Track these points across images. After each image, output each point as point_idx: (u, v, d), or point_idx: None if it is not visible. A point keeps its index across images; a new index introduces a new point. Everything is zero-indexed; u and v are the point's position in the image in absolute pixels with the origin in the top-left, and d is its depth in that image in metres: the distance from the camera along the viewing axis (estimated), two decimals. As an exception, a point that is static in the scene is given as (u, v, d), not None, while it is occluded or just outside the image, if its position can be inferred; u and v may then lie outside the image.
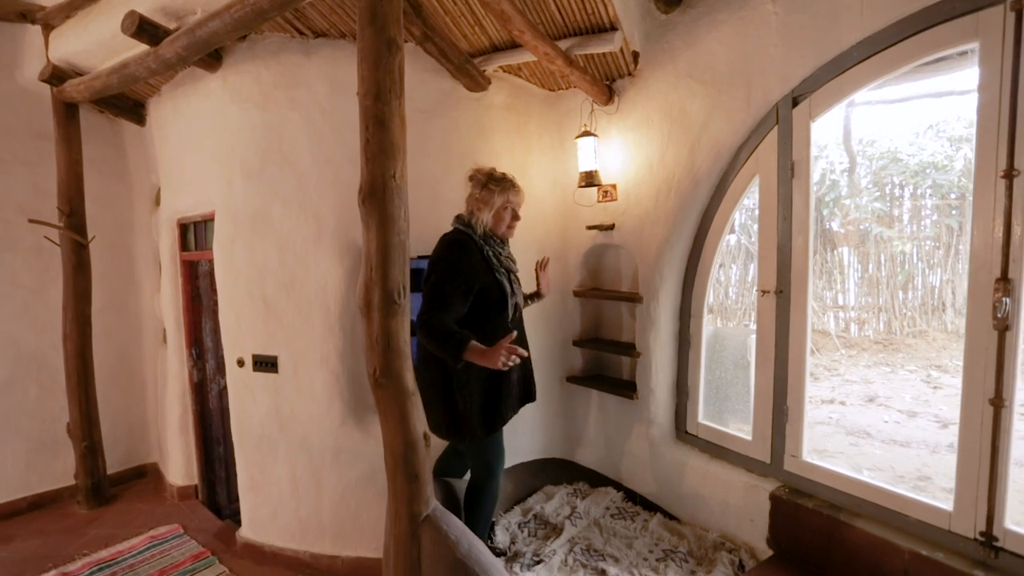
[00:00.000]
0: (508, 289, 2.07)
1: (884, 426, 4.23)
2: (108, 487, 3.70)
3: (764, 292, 2.26)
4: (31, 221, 3.32)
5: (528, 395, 2.29)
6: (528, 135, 2.91)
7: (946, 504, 1.75)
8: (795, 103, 2.11)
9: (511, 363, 1.81)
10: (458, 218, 2.16)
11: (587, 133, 2.67)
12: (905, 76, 1.97)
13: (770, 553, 2.17)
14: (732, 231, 2.38)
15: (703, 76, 2.38)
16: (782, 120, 2.15)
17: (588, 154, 2.66)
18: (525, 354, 1.86)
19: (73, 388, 3.52)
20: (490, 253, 2.07)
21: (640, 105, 2.65)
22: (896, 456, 3.64)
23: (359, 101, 1.69)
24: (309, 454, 2.67)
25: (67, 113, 3.42)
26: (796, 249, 2.14)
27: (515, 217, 2.14)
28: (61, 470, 3.66)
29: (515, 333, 1.86)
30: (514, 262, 2.21)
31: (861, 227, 6.37)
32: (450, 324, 1.88)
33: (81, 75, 3.22)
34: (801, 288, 2.13)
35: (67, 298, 3.47)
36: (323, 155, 2.62)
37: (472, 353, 1.83)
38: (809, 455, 2.17)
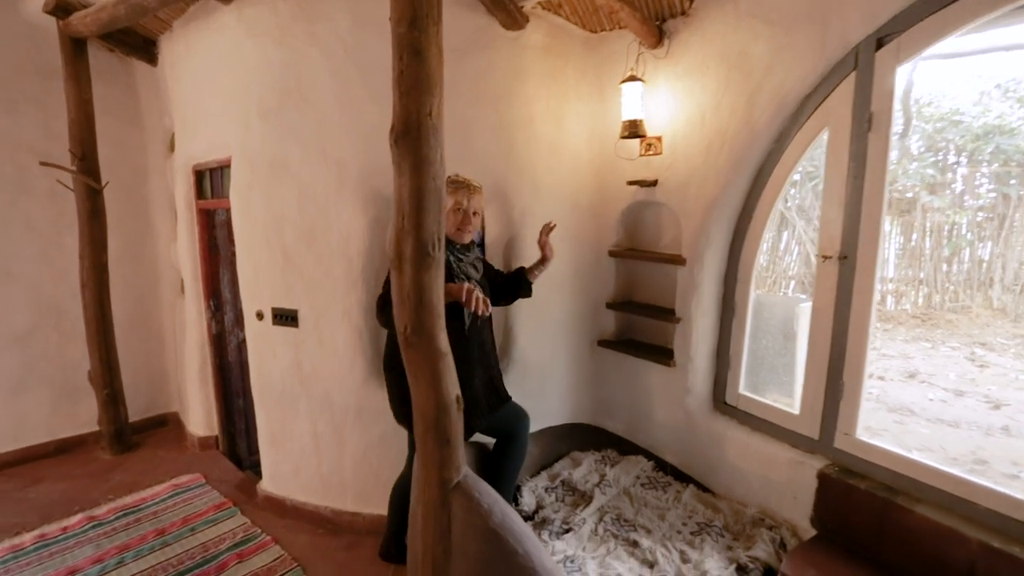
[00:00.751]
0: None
1: (929, 404, 4.05)
2: (131, 434, 3.72)
3: (825, 257, 2.06)
4: (43, 164, 3.20)
5: (498, 399, 2.25)
6: (565, 80, 2.68)
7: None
8: (879, 45, 1.85)
9: (477, 302, 1.79)
10: None
11: (633, 78, 2.43)
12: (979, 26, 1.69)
13: (814, 533, 2.07)
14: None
15: (769, 15, 2.12)
16: (862, 65, 1.91)
17: (633, 101, 2.43)
18: (486, 309, 1.82)
19: (93, 336, 3.48)
20: (450, 258, 2.03)
21: (694, 48, 2.40)
22: (946, 436, 3.47)
23: (392, 28, 1.49)
24: (331, 411, 2.60)
25: (75, 49, 3.24)
26: (867, 212, 1.93)
27: (466, 220, 2.08)
28: (85, 416, 3.67)
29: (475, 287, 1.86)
30: (478, 269, 2.19)
31: (908, 195, 5.99)
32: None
33: (87, 7, 3.02)
34: (870, 255, 1.93)
35: (83, 245, 3.39)
36: (346, 95, 2.42)
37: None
38: (862, 433, 2.03)
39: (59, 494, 3.11)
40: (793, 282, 6.55)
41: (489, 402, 2.20)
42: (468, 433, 2.06)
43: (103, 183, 3.40)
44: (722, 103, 2.31)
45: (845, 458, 2.05)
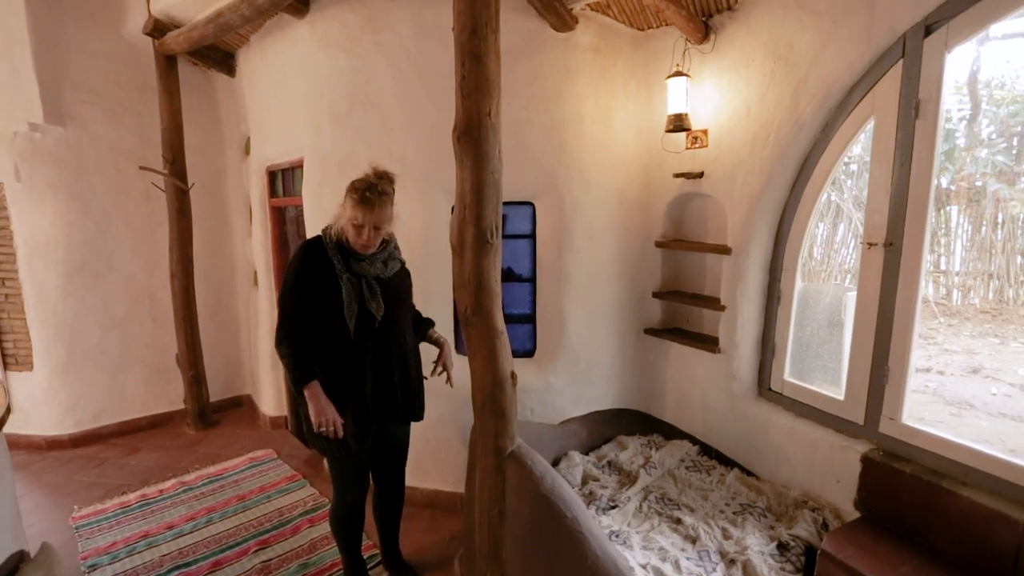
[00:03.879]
0: (353, 294, 1.90)
1: (992, 398, 3.90)
2: (211, 413, 4.11)
3: (871, 245, 2.09)
4: (142, 168, 3.60)
5: (396, 408, 2.09)
6: (613, 78, 2.79)
7: (1075, 476, 1.61)
8: (928, 32, 1.87)
9: (324, 428, 1.88)
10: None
11: (679, 73, 2.51)
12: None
13: (857, 515, 2.10)
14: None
15: (816, 6, 2.16)
16: (909, 53, 1.93)
17: (679, 96, 2.51)
18: (339, 433, 1.90)
19: (180, 323, 3.86)
20: (337, 258, 1.90)
21: (739, 42, 2.46)
22: (1007, 429, 3.35)
23: (455, 37, 1.66)
24: (393, 391, 2.80)
25: (168, 65, 3.61)
26: (913, 199, 1.95)
27: (360, 234, 1.89)
28: (172, 395, 4.08)
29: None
30: (387, 266, 1.98)
31: (976, 183, 5.65)
32: (301, 349, 1.90)
33: (179, 27, 3.37)
34: (916, 242, 1.95)
35: (172, 240, 3.77)
36: (408, 98, 2.63)
37: (310, 392, 1.88)
38: (908, 419, 2.05)
39: (154, 462, 3.50)
40: (849, 275, 6.32)
41: (384, 410, 2.06)
42: (357, 441, 1.98)
43: (190, 184, 3.77)
44: (767, 95, 2.36)
45: (890, 442, 2.07)
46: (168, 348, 4.02)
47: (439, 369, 2.20)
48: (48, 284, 3.56)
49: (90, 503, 2.99)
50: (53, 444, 3.68)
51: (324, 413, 1.89)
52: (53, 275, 3.56)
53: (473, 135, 1.64)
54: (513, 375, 1.84)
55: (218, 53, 3.74)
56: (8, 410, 1.82)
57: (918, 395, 4.02)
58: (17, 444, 3.63)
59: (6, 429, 3.15)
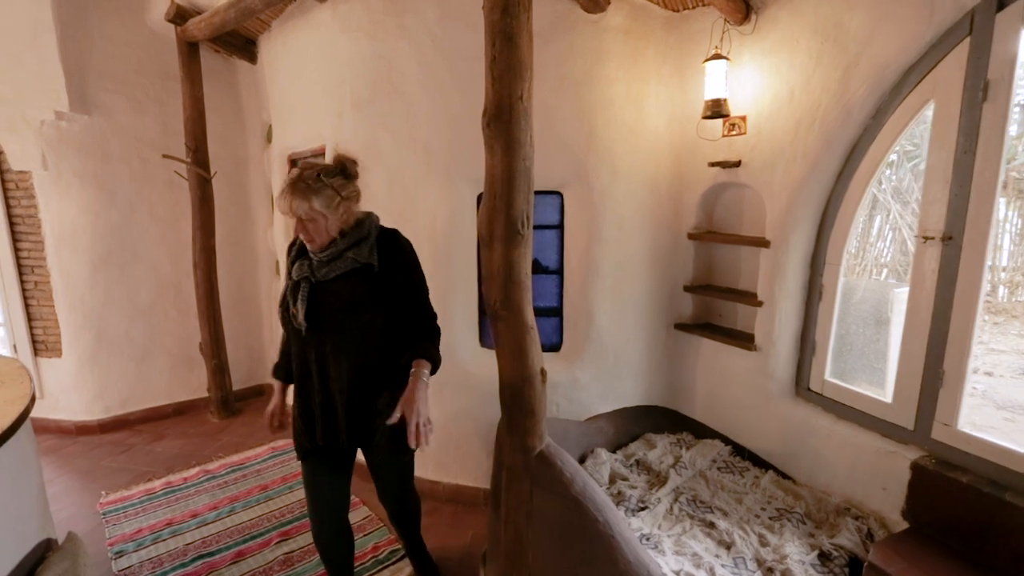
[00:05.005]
0: (288, 297, 1.72)
1: (1048, 403, 3.71)
2: (234, 401, 4.12)
3: (926, 238, 1.95)
4: (165, 156, 3.58)
5: (332, 433, 1.76)
6: (645, 62, 2.66)
7: None
8: (1001, 6, 1.71)
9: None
10: None
11: (718, 56, 2.37)
12: None
13: (905, 526, 1.98)
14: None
15: (869, -19, 2.00)
16: (978, 29, 1.77)
17: (718, 80, 2.37)
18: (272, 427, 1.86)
19: (203, 312, 3.87)
20: (294, 256, 1.78)
21: (783, 22, 2.31)
22: (1069, 438, 3.18)
23: (485, 16, 1.57)
24: (415, 385, 2.75)
25: (190, 52, 3.58)
26: (978, 189, 1.80)
27: (301, 229, 1.66)
28: (196, 383, 4.11)
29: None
30: (325, 263, 1.67)
31: (1029, 174, 5.34)
32: (284, 343, 1.92)
33: (201, 13, 3.33)
34: (979, 236, 1.80)
35: (195, 229, 3.77)
36: (432, 84, 2.54)
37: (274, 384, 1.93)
38: (964, 425, 1.92)
39: (178, 449, 3.53)
40: (886, 270, 6.06)
41: (329, 430, 1.77)
42: (297, 445, 1.84)
43: (212, 173, 3.75)
44: (813, 79, 2.22)
45: (943, 450, 1.94)
46: (192, 337, 4.03)
47: (396, 415, 1.62)
48: (76, 272, 3.59)
49: (117, 489, 3.02)
50: (82, 429, 3.73)
51: (271, 405, 1.88)
52: (80, 264, 3.59)
53: (504, 119, 1.55)
54: (543, 372, 1.76)
55: (240, 40, 3.70)
56: (33, 399, 1.81)
57: (968, 396, 3.79)
58: (48, 428, 3.69)
59: (38, 413, 3.15)
